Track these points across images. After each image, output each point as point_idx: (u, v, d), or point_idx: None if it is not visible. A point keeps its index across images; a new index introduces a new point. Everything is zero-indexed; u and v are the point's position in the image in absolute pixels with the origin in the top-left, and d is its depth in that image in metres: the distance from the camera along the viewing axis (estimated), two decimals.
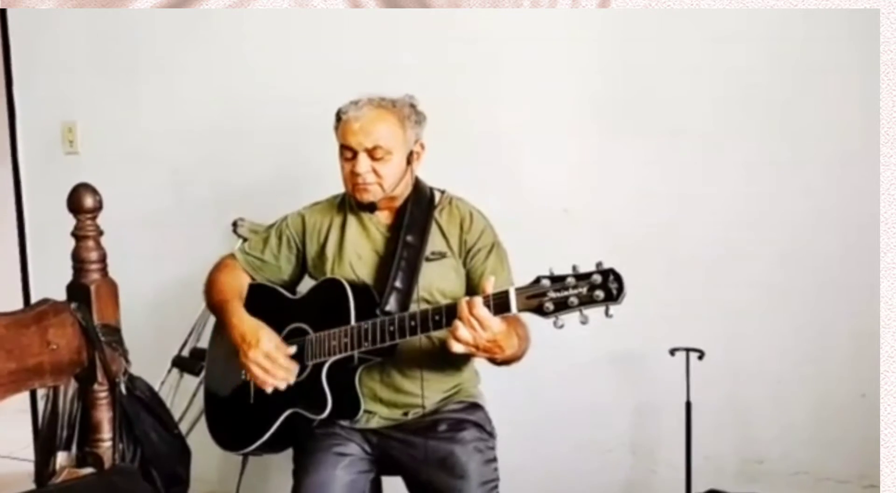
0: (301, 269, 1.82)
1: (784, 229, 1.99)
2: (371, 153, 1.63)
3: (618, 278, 1.32)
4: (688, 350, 1.90)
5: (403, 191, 1.71)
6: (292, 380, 1.61)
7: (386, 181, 1.66)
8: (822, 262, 1.97)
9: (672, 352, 1.91)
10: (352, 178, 1.66)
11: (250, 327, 1.65)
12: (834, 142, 1.94)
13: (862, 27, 1.83)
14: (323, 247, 1.75)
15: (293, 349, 1.64)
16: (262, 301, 1.75)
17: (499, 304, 1.40)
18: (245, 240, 2.03)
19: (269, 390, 1.62)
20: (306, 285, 1.80)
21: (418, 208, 1.71)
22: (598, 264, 1.34)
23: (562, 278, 1.36)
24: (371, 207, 1.71)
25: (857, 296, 1.93)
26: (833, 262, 1.96)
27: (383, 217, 1.74)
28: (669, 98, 2.04)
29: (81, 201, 1.43)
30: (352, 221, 1.75)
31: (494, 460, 1.66)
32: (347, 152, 1.65)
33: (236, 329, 1.67)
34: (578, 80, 2.11)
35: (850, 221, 1.94)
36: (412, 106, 1.69)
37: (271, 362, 1.60)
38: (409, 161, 1.69)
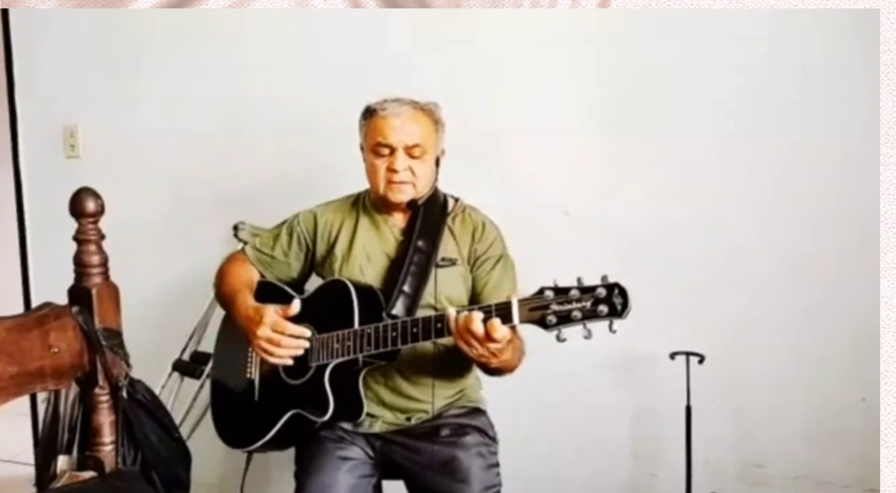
0: (310, 267, 1.80)
1: (784, 230, 1.98)
2: (409, 151, 1.63)
3: (622, 293, 1.29)
4: (688, 354, 1.89)
5: (426, 195, 1.70)
6: (302, 350, 1.56)
7: (420, 181, 1.65)
8: (822, 262, 1.97)
9: (672, 356, 1.90)
10: (388, 175, 1.64)
11: (254, 306, 1.62)
12: (834, 142, 1.94)
13: (862, 27, 1.83)
14: (332, 246, 1.73)
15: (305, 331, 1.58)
16: (268, 301, 1.74)
17: (501, 315, 1.37)
18: (246, 244, 2.02)
19: (280, 362, 1.58)
20: (314, 283, 1.79)
21: (431, 214, 1.70)
22: (604, 278, 1.31)
23: (565, 291, 1.32)
24: (412, 204, 1.67)
25: (857, 296, 1.92)
26: (833, 262, 1.96)
27: (399, 220, 1.72)
28: (669, 98, 2.04)
29: (83, 205, 1.42)
30: (364, 222, 1.73)
31: (496, 465, 1.65)
32: (383, 149, 1.63)
33: (242, 314, 1.63)
34: (578, 80, 2.10)
35: (850, 222, 1.94)
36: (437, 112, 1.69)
37: (279, 332, 1.55)
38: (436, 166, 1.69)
